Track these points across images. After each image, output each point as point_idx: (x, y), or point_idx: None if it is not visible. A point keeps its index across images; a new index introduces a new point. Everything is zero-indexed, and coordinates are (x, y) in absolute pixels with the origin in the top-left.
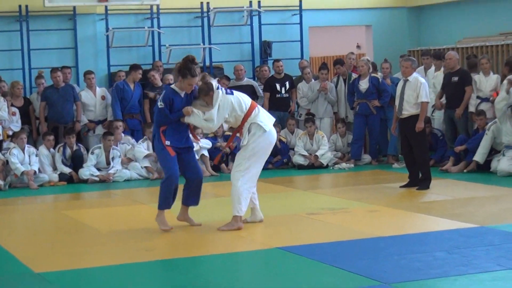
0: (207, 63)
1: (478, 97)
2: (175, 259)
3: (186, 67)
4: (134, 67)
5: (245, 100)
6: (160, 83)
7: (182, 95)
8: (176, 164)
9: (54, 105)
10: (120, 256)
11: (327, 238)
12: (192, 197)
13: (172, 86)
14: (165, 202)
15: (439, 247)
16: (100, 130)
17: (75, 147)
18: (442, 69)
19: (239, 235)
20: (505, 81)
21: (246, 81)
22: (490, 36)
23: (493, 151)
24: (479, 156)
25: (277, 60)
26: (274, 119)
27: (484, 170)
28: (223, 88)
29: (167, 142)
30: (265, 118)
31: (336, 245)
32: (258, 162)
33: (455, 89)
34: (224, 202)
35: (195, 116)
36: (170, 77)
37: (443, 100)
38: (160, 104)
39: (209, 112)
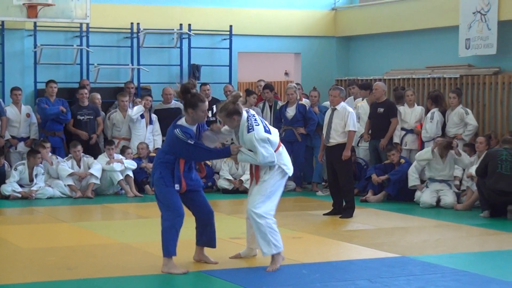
0: (135, 84)
1: (403, 128)
2: (97, 278)
3: (191, 97)
4: (48, 82)
5: (276, 136)
6: (86, 103)
7: (194, 129)
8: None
9: None
10: (41, 273)
11: (250, 263)
12: (210, 236)
13: (182, 123)
14: (174, 247)
15: (361, 275)
16: (22, 147)
17: None
18: (365, 100)
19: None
20: (435, 142)
21: (174, 104)
22: (417, 69)
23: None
24: (413, 181)
25: (204, 84)
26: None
27: (407, 200)
28: (259, 118)
29: (176, 186)
30: (287, 161)
31: (259, 270)
32: (277, 196)
33: (380, 120)
34: (147, 223)
35: (245, 153)
36: (98, 96)
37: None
38: (190, 141)
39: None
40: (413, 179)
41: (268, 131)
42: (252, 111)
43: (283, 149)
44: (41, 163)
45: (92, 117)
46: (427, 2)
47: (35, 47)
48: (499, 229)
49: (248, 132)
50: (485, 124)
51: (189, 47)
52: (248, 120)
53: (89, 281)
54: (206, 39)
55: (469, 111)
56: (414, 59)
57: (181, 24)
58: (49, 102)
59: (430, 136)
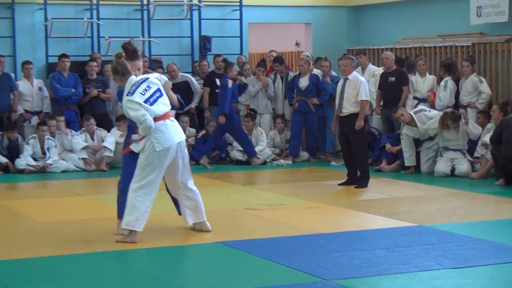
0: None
1: (415, 97)
2: (115, 251)
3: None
4: (60, 56)
5: (158, 108)
6: (95, 76)
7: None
8: None
9: None
10: (58, 247)
11: (266, 234)
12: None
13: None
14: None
15: (379, 245)
16: (35, 120)
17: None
18: (381, 68)
19: (179, 229)
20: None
21: (181, 77)
22: (428, 37)
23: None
24: (408, 161)
25: (218, 55)
26: (176, 139)
27: (418, 170)
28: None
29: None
30: (162, 136)
31: (276, 240)
32: (153, 171)
33: (392, 89)
34: (161, 194)
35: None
36: (109, 69)
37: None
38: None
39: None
40: (408, 159)
41: (150, 103)
42: (154, 79)
43: (163, 124)
44: (53, 135)
45: (100, 89)
46: None
47: (45, 21)
48: None
49: (126, 95)
50: (498, 92)
51: (199, 19)
52: (134, 84)
53: (107, 254)
54: (216, 10)
55: (483, 79)
56: (425, 28)
57: None
58: (62, 77)
59: (444, 104)
